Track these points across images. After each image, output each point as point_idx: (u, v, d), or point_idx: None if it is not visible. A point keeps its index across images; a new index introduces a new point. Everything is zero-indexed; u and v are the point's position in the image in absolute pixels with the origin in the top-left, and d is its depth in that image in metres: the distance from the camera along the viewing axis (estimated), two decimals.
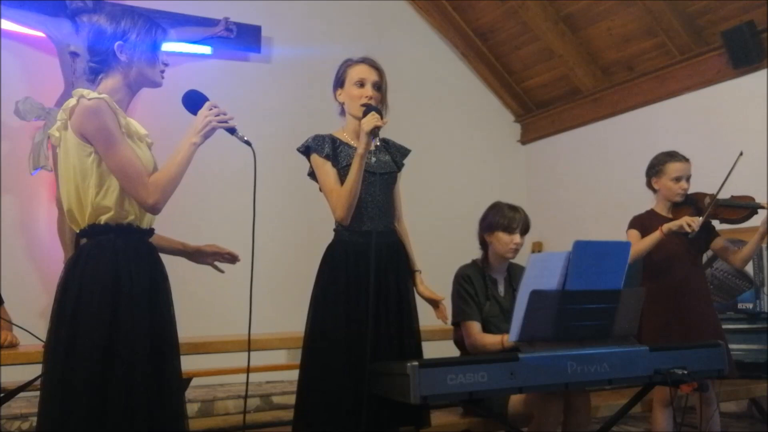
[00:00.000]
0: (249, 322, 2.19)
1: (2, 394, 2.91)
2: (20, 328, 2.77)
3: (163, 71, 2.21)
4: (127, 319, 2.00)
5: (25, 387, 2.88)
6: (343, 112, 2.73)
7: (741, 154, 3.34)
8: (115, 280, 2.01)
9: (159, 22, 2.20)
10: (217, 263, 2.51)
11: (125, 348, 1.98)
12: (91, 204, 2.05)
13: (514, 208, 3.12)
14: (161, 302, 2.12)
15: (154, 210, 2.08)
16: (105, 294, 1.99)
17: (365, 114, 2.52)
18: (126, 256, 2.05)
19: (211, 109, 2.13)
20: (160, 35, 2.18)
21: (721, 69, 5.43)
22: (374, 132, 2.49)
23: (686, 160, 3.45)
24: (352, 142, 2.64)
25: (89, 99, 2.02)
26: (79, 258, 2.07)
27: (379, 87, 2.65)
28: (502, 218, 3.07)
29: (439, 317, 2.81)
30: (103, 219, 2.05)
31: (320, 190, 2.70)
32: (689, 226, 3.22)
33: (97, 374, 1.95)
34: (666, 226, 3.29)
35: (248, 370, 2.20)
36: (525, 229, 3.10)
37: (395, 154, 2.73)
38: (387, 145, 2.74)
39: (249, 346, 2.23)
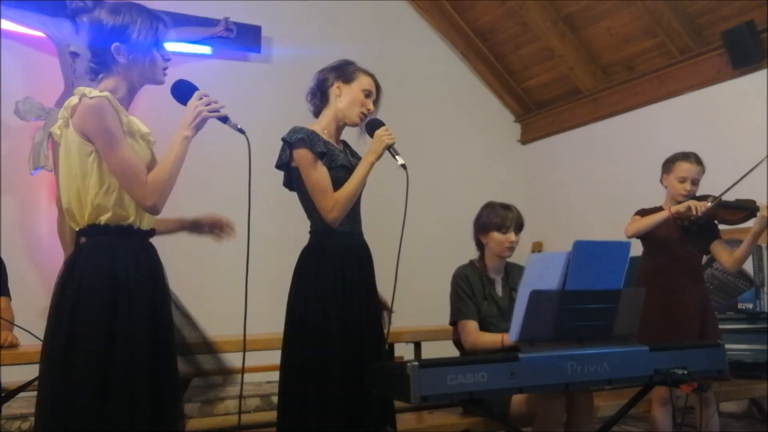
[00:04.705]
0: (244, 317, 2.17)
1: (2, 394, 2.91)
2: (20, 328, 2.77)
3: (165, 68, 2.15)
4: (126, 321, 1.98)
5: (25, 387, 2.88)
6: (322, 98, 2.69)
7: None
8: (114, 281, 2.00)
9: (161, 15, 2.15)
10: (216, 235, 2.43)
11: (124, 350, 1.96)
12: (90, 203, 2.03)
13: (507, 207, 3.13)
14: (161, 304, 2.10)
15: (154, 211, 2.05)
16: (104, 295, 1.98)
17: (374, 125, 2.58)
18: (125, 257, 2.03)
19: (200, 99, 2.07)
20: (162, 31, 2.12)
21: (721, 69, 5.43)
22: (393, 149, 2.55)
23: (698, 163, 3.42)
24: (330, 140, 2.63)
25: (91, 98, 2.00)
26: (78, 257, 2.05)
27: (375, 103, 2.69)
28: (495, 218, 3.08)
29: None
30: (102, 219, 2.03)
31: (286, 184, 2.67)
32: (696, 208, 3.22)
33: (95, 376, 1.93)
34: (674, 208, 3.30)
35: (243, 371, 2.19)
36: (519, 227, 3.11)
37: (358, 159, 2.74)
38: (350, 149, 2.75)
39: (244, 345, 2.22)
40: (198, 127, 2.08)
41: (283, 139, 2.60)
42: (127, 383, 1.95)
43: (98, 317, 1.96)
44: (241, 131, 2.12)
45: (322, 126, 2.66)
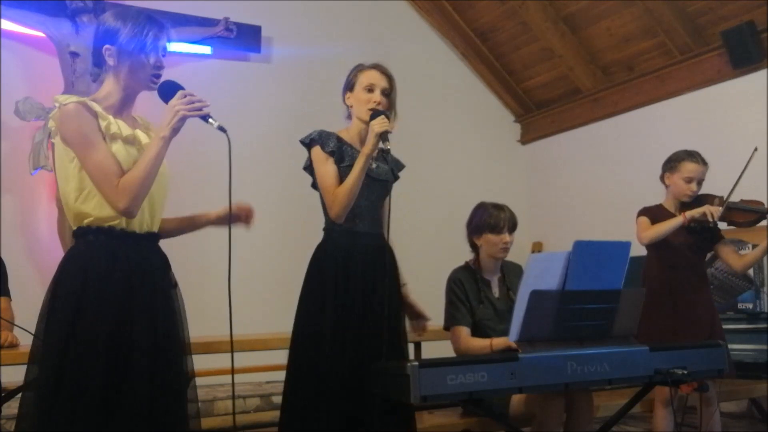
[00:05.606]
0: (230, 320, 2.11)
1: (2, 394, 2.91)
2: (20, 328, 2.77)
3: (156, 75, 2.12)
4: (85, 321, 1.98)
5: (25, 387, 2.87)
6: (350, 116, 2.73)
7: (756, 150, 3.39)
8: (84, 284, 2.00)
9: (158, 21, 2.13)
10: (244, 223, 2.36)
11: (79, 350, 1.96)
12: (72, 208, 2.06)
13: (499, 207, 3.10)
14: (144, 307, 2.06)
15: (127, 213, 2.03)
16: (70, 294, 2.00)
17: (374, 117, 2.54)
18: (99, 259, 2.03)
19: (183, 98, 2.05)
20: (154, 36, 2.09)
21: (721, 69, 5.43)
22: (384, 135, 2.49)
23: (704, 163, 3.39)
24: (355, 145, 2.65)
25: (65, 104, 2.04)
26: (63, 260, 2.10)
27: (388, 94, 2.67)
28: (488, 218, 3.06)
29: (415, 331, 2.87)
30: (85, 222, 2.06)
31: (313, 185, 2.69)
32: (711, 214, 3.21)
33: (53, 374, 1.95)
34: (689, 213, 3.27)
35: (233, 371, 2.16)
36: (513, 227, 3.08)
37: (392, 166, 2.74)
38: (386, 155, 2.74)
39: (232, 347, 2.18)
40: (176, 128, 2.04)
41: (301, 141, 2.66)
42: (78, 384, 1.94)
43: (63, 319, 1.98)
44: (222, 130, 2.08)
45: (347, 130, 2.71)
